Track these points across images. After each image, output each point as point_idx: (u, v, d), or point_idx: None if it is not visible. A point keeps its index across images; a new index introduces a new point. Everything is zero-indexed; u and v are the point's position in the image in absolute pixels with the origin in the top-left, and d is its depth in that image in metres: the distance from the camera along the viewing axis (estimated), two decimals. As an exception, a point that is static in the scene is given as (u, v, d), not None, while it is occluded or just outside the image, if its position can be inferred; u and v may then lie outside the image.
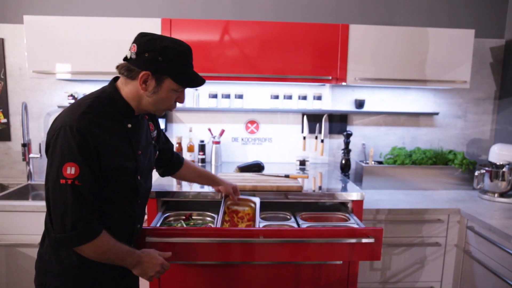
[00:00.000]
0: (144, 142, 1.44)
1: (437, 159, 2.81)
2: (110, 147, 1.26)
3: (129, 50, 1.28)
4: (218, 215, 1.88)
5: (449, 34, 2.52)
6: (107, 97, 1.30)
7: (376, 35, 2.49)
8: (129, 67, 1.28)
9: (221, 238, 1.66)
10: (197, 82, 1.35)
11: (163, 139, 1.70)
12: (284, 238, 1.68)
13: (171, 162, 1.78)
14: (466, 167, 2.75)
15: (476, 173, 2.62)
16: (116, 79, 1.36)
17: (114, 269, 1.37)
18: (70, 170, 1.16)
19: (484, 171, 2.60)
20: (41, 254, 1.37)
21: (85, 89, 2.79)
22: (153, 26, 2.40)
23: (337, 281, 2.16)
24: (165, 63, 1.26)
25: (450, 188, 2.80)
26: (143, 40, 1.27)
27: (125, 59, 1.30)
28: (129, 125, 1.34)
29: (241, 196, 1.99)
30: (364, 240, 1.68)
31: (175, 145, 2.83)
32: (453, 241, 2.39)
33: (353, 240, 1.68)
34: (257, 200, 1.98)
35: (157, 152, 1.62)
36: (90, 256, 1.25)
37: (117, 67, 1.31)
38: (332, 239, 1.68)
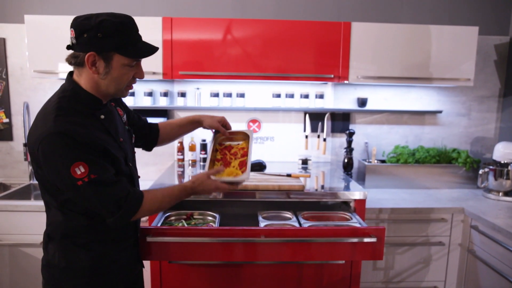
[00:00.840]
0: (121, 129, 1.41)
1: (441, 158, 2.79)
2: (93, 138, 1.22)
3: (70, 37, 1.23)
4: (207, 153, 1.75)
5: (452, 32, 2.49)
6: (70, 94, 1.25)
7: (378, 32, 2.46)
8: (74, 54, 1.23)
9: (222, 237, 1.65)
10: (146, 50, 1.27)
11: (135, 118, 1.65)
12: (285, 237, 1.67)
13: (151, 133, 1.70)
14: (470, 165, 2.73)
15: (480, 172, 2.59)
16: (71, 73, 1.30)
17: (126, 268, 1.43)
18: (79, 170, 1.16)
19: (488, 169, 2.57)
20: (48, 260, 1.35)
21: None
22: (154, 25, 2.39)
23: (339, 281, 2.14)
24: (106, 38, 1.19)
25: (453, 187, 2.78)
26: (78, 22, 1.21)
27: (68, 47, 1.25)
28: (102, 116, 1.31)
29: (233, 130, 1.78)
30: (366, 240, 1.67)
31: (177, 144, 2.82)
32: (457, 240, 2.36)
33: (355, 240, 1.66)
34: (249, 132, 1.76)
35: (133, 136, 1.57)
36: (152, 214, 1.39)
37: (66, 60, 1.26)
38: (333, 238, 1.67)
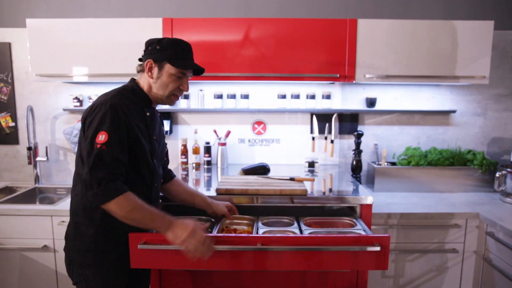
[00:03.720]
0: (158, 132, 1.68)
1: (455, 160, 2.65)
2: (134, 124, 1.48)
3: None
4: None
5: (466, 27, 2.36)
6: (129, 89, 1.57)
7: (386, 29, 2.36)
8: (140, 64, 1.59)
9: (218, 245, 1.59)
10: (190, 65, 1.56)
11: (165, 150, 1.84)
12: (283, 245, 1.59)
13: (164, 177, 1.83)
14: (487, 168, 2.58)
15: (497, 174, 2.45)
16: (134, 79, 1.63)
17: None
18: (101, 137, 1.38)
19: (506, 172, 2.43)
20: (67, 233, 1.57)
21: (90, 92, 2.76)
22: (154, 26, 2.35)
23: (345, 289, 2.05)
24: (162, 50, 1.52)
25: (468, 191, 2.64)
26: (148, 41, 1.58)
27: (139, 59, 1.60)
28: (148, 113, 1.60)
29: (238, 215, 1.98)
30: (369, 249, 1.57)
31: (180, 147, 2.77)
32: (471, 247, 2.24)
33: (357, 248, 1.57)
34: (255, 217, 1.95)
35: (167, 150, 1.86)
36: (118, 215, 1.39)
37: (136, 68, 1.62)
38: (334, 247, 1.58)
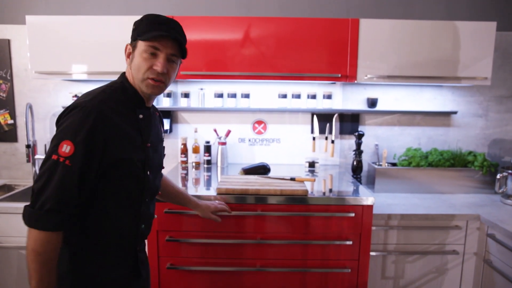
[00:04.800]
0: (154, 136, 1.41)
1: (456, 161, 2.64)
2: (120, 133, 1.23)
3: None
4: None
5: (468, 27, 2.35)
6: (118, 86, 1.31)
7: (388, 29, 2.35)
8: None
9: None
10: (156, 34, 1.24)
11: (163, 152, 1.63)
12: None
13: None
14: (487, 169, 2.58)
15: (498, 176, 2.44)
16: (124, 73, 1.37)
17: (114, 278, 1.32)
18: (66, 148, 1.12)
19: (507, 173, 2.42)
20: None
21: (89, 90, 2.74)
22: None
23: (345, 290, 2.05)
24: (136, 28, 1.29)
25: (469, 192, 2.63)
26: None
27: None
28: (140, 116, 1.33)
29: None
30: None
31: (180, 146, 2.76)
32: (472, 249, 2.23)
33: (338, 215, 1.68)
34: None
35: (165, 154, 1.60)
36: (28, 248, 1.13)
37: None
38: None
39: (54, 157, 1.12)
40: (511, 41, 2.71)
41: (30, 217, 1.12)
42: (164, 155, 1.59)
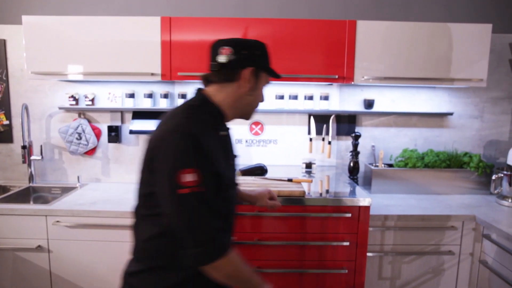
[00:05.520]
0: (231, 154, 1.34)
1: (451, 162, 2.66)
2: (216, 152, 1.15)
3: (219, 55, 1.23)
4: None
5: (464, 29, 2.37)
6: (199, 105, 1.22)
7: (385, 31, 2.36)
8: (226, 71, 1.22)
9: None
10: (277, 74, 1.32)
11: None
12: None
13: None
14: (483, 170, 2.59)
15: (494, 177, 2.46)
16: (200, 89, 1.27)
17: None
18: (189, 177, 1.04)
19: (502, 175, 2.44)
20: (132, 285, 1.23)
21: (86, 90, 2.74)
22: (152, 25, 2.33)
23: (342, 291, 2.05)
24: (262, 56, 1.27)
25: (465, 193, 2.65)
26: (233, 41, 1.25)
27: (215, 65, 1.23)
28: (224, 133, 1.27)
29: None
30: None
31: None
32: (467, 250, 2.24)
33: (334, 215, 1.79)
34: None
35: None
36: (222, 276, 1.11)
37: (205, 77, 1.26)
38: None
39: (182, 191, 1.04)
40: (506, 44, 2.73)
41: (206, 256, 1.08)
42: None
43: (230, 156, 1.31)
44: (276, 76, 1.31)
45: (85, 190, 2.61)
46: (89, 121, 2.77)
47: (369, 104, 2.73)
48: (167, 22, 2.34)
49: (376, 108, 2.77)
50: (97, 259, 2.22)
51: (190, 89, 2.74)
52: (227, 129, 1.30)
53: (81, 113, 2.76)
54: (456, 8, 2.72)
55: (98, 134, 2.78)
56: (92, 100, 2.70)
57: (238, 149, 2.82)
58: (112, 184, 2.79)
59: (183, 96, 2.70)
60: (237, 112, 1.28)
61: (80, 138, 2.72)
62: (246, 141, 2.84)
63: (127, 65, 2.37)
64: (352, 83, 2.39)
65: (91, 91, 2.73)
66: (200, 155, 1.07)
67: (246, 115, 1.32)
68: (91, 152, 2.79)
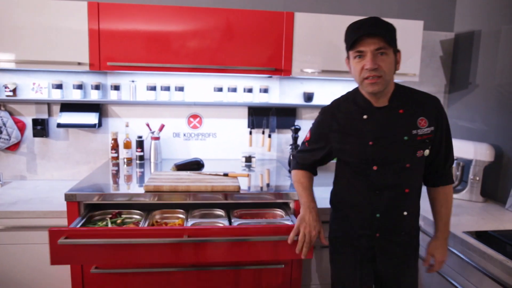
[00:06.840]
0: (385, 133, 1.47)
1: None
2: (341, 129, 1.55)
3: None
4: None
5: (398, 25, 2.38)
6: (351, 94, 1.60)
7: (323, 24, 2.36)
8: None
9: (145, 238, 1.52)
10: (354, 35, 1.42)
11: (437, 148, 1.53)
12: (208, 237, 1.59)
13: (433, 177, 1.59)
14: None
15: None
16: None
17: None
18: (308, 135, 1.70)
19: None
20: None
21: (5, 80, 2.49)
22: (78, 11, 2.16)
23: (279, 286, 2.03)
24: (345, 42, 1.52)
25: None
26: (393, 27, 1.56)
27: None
28: (365, 116, 1.50)
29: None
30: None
31: (110, 142, 2.60)
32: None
33: (277, 238, 1.59)
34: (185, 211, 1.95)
35: (424, 150, 1.49)
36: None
37: None
38: (255, 237, 1.61)
39: (304, 139, 1.73)
40: (437, 41, 2.84)
41: (292, 165, 1.79)
42: (421, 151, 1.49)
43: (369, 136, 1.52)
44: (352, 45, 1.43)
45: (6, 189, 2.40)
46: (11, 114, 2.54)
47: (308, 97, 2.73)
48: (95, 7, 2.18)
49: (315, 101, 2.77)
50: (15, 263, 2.04)
51: (123, 80, 2.59)
52: (376, 114, 1.51)
53: (1, 104, 2.53)
54: (390, 4, 2.78)
55: (22, 128, 2.56)
56: (14, 90, 2.47)
57: (176, 143, 2.74)
58: (38, 181, 2.59)
59: (116, 87, 2.55)
60: (365, 92, 1.53)
61: (1, 132, 2.49)
62: (184, 135, 2.74)
63: (52, 53, 2.18)
64: (291, 75, 2.36)
65: (12, 80, 2.50)
66: (318, 127, 1.69)
67: (364, 90, 1.50)
68: (14, 147, 2.57)
